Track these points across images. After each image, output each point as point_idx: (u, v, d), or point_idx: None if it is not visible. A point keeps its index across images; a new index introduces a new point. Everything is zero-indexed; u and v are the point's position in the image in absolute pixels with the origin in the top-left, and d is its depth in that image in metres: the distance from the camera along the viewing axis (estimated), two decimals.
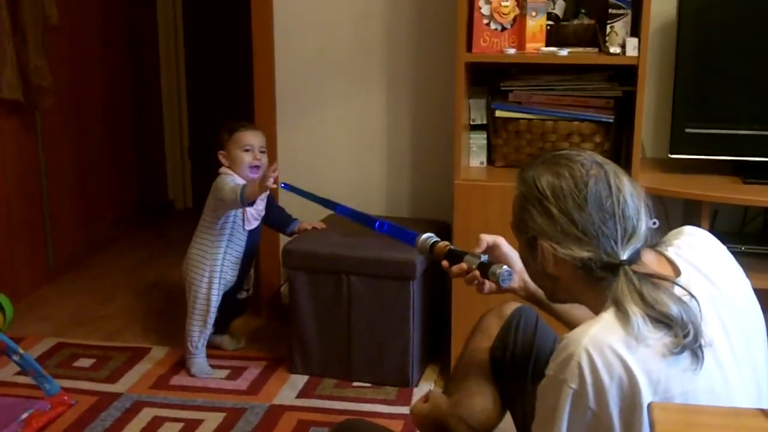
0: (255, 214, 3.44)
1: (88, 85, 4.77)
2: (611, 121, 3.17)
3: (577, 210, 1.62)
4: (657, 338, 1.54)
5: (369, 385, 3.39)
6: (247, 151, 3.38)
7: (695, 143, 3.16)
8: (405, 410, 3.18)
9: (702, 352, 1.56)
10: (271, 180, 3.17)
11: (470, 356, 2.35)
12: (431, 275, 3.46)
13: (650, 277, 1.61)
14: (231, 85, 5.29)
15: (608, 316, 1.57)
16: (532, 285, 2.02)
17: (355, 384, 3.40)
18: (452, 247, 2.16)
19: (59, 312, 4.13)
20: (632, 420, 1.54)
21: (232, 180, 3.34)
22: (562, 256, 1.65)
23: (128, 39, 5.23)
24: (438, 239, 2.22)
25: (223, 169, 3.40)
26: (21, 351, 3.14)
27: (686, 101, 3.15)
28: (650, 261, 1.68)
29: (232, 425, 3.11)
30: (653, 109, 3.40)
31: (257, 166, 3.40)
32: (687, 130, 3.15)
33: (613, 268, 1.61)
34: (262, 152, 3.42)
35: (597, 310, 1.65)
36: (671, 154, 3.18)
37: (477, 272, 2.06)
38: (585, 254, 1.62)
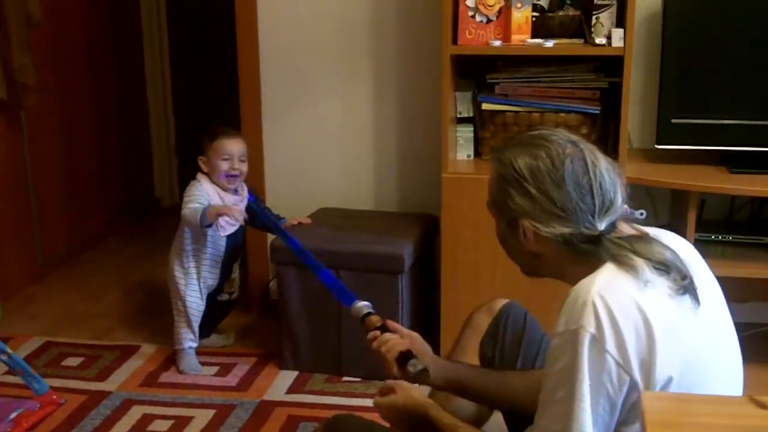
0: (229, 219, 3.42)
1: (73, 83, 4.75)
2: (598, 112, 3.17)
3: (556, 188, 1.66)
4: (661, 282, 1.59)
5: (359, 379, 3.39)
6: (225, 159, 3.37)
7: (681, 134, 3.16)
8: None
9: (697, 292, 1.62)
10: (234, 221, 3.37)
11: (460, 352, 2.35)
12: (420, 269, 3.46)
13: (631, 237, 1.67)
14: (216, 83, 5.27)
15: (609, 268, 1.62)
16: (449, 374, 2.10)
17: (345, 379, 3.40)
18: (383, 323, 2.21)
19: (48, 311, 4.11)
20: (651, 365, 1.55)
21: (199, 191, 3.35)
22: (544, 234, 1.68)
23: (113, 36, 5.20)
24: (372, 311, 2.27)
25: (199, 175, 3.41)
26: (9, 350, 3.13)
27: (672, 92, 3.15)
28: (625, 229, 1.72)
29: (222, 422, 3.11)
30: (639, 99, 3.40)
31: (235, 176, 3.39)
32: (673, 121, 3.16)
33: (594, 239, 1.65)
34: (241, 161, 3.40)
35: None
36: (658, 144, 3.19)
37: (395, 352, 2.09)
38: (566, 230, 1.66)
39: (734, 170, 3.13)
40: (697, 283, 1.66)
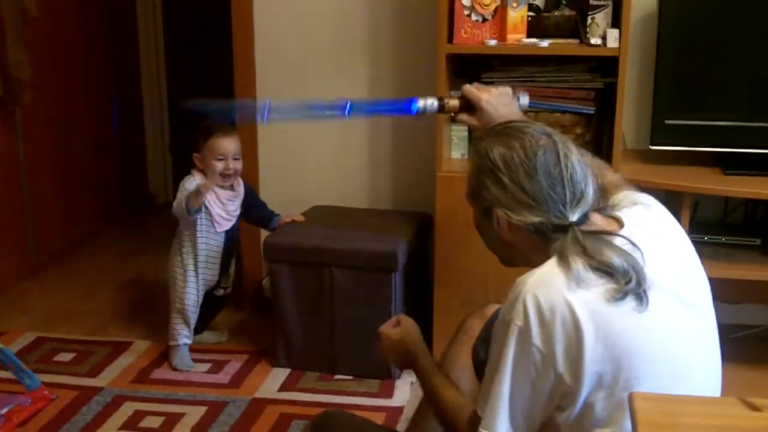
0: (224, 215, 3.42)
1: (68, 79, 4.74)
2: (592, 112, 3.17)
3: (528, 179, 1.72)
4: (599, 284, 1.64)
5: (351, 377, 3.39)
6: (220, 159, 3.37)
7: (676, 134, 3.17)
8: (387, 402, 3.19)
9: (646, 295, 1.65)
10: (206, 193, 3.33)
11: (453, 356, 2.37)
12: (413, 267, 3.46)
13: (595, 234, 1.71)
14: (212, 80, 5.26)
15: (551, 263, 1.68)
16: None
17: (338, 377, 3.40)
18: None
19: (41, 306, 4.11)
20: (577, 361, 1.61)
21: (191, 186, 3.35)
22: (516, 223, 1.74)
23: (108, 33, 5.20)
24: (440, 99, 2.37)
25: (194, 171, 3.41)
26: (1, 345, 3.12)
27: (667, 93, 3.15)
28: (598, 221, 1.77)
29: (214, 419, 3.10)
30: (634, 100, 3.40)
31: (230, 175, 3.39)
32: (667, 122, 3.16)
33: (564, 229, 1.70)
34: (236, 159, 3.40)
35: None
36: (652, 145, 3.19)
37: None
38: (536, 219, 1.72)
39: (728, 171, 3.13)
40: (666, 281, 1.70)
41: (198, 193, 3.29)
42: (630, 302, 1.64)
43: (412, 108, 2.37)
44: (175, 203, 3.35)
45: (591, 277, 1.63)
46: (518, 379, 1.66)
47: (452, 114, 2.38)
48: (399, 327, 2.12)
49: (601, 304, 1.63)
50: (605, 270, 1.64)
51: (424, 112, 2.37)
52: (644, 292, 1.64)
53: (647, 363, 1.65)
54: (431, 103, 2.35)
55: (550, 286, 1.63)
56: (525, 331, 1.63)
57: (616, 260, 1.64)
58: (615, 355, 1.62)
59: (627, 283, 1.63)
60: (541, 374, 1.64)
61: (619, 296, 1.63)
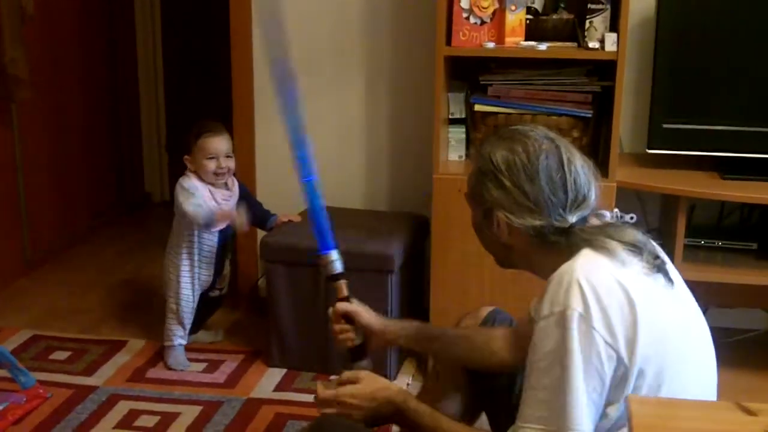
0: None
1: (65, 77, 4.73)
2: (589, 115, 3.18)
3: (529, 182, 1.73)
4: (635, 262, 1.66)
5: None
6: (211, 158, 3.37)
7: (673, 139, 3.17)
8: None
9: (669, 274, 1.69)
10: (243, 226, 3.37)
11: None
12: (410, 269, 3.46)
13: (605, 224, 1.75)
14: (209, 80, 5.27)
15: (586, 252, 1.68)
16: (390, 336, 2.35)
17: (333, 377, 3.38)
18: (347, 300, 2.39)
19: (36, 304, 4.10)
20: (633, 342, 1.60)
21: (195, 188, 3.35)
22: (517, 226, 1.76)
23: (106, 32, 5.20)
24: (343, 273, 2.40)
25: (188, 172, 3.41)
26: None
27: (664, 97, 3.16)
28: (596, 223, 1.78)
29: (209, 419, 3.10)
30: (631, 104, 3.41)
31: (222, 173, 3.40)
32: (664, 126, 3.16)
33: (565, 231, 1.72)
34: (228, 157, 3.40)
35: (547, 275, 1.71)
36: (649, 149, 3.20)
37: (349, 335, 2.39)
38: (537, 222, 1.74)
39: (724, 176, 3.14)
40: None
41: (226, 216, 3.32)
42: (661, 278, 1.67)
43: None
44: (190, 208, 3.30)
45: (629, 256, 1.66)
46: (588, 374, 1.59)
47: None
48: (355, 384, 2.02)
49: (647, 282, 1.65)
50: (634, 249, 1.66)
51: None
52: (667, 270, 1.68)
53: (675, 349, 1.66)
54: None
55: (601, 269, 1.64)
56: (586, 317, 1.59)
57: (641, 237, 1.68)
58: (659, 337, 1.62)
59: (655, 259, 1.67)
60: (605, 364, 1.60)
61: (654, 271, 1.66)
